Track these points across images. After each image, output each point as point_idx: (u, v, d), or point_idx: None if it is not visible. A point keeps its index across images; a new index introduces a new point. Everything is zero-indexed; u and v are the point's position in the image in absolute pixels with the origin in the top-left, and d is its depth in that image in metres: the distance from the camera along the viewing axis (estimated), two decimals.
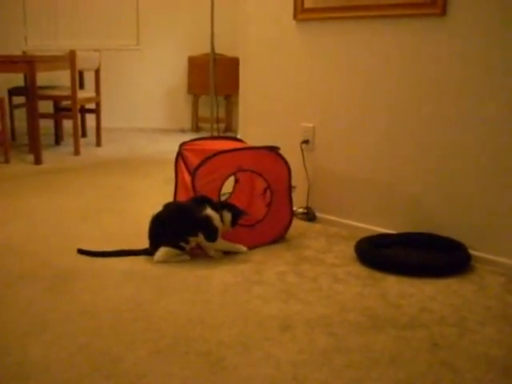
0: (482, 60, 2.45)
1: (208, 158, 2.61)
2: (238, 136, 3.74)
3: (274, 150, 2.77)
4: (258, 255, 2.65)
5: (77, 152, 5.09)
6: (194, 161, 2.71)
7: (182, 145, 2.92)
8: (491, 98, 2.44)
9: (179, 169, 2.89)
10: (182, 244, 2.51)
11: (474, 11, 2.44)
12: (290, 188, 2.82)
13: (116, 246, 2.70)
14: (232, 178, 2.96)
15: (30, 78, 4.57)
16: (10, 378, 1.64)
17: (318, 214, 3.17)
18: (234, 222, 2.57)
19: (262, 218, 2.76)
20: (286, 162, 2.78)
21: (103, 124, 5.82)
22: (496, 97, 2.43)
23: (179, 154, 2.89)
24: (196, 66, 6.39)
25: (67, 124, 6.01)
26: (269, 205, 2.77)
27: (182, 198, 2.79)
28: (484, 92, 2.46)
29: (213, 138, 3.19)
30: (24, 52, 6.33)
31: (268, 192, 2.78)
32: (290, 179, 2.81)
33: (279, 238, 2.83)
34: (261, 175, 2.75)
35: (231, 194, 3.07)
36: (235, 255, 2.62)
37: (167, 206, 2.57)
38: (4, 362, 1.72)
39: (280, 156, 2.77)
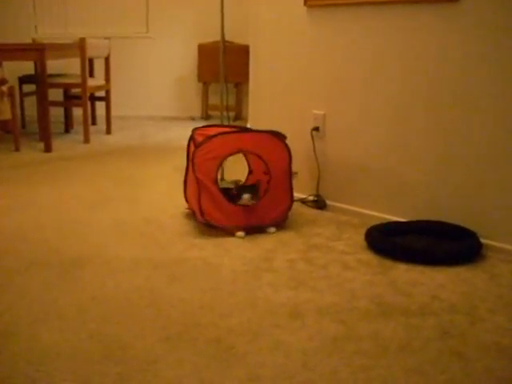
0: (495, 48, 2.42)
1: (210, 137, 2.70)
2: (248, 125, 3.73)
3: (275, 134, 2.78)
4: (268, 243, 2.64)
5: (86, 140, 5.10)
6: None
7: (194, 130, 2.95)
8: (507, 86, 2.42)
9: (190, 152, 2.91)
10: None
11: None
12: (290, 173, 2.82)
13: (126, 234, 2.71)
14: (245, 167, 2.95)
15: (40, 66, 4.57)
16: (21, 364, 1.65)
17: (328, 202, 3.16)
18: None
19: (259, 200, 2.77)
20: (287, 147, 2.79)
21: (113, 112, 5.82)
22: (511, 86, 2.41)
23: (191, 138, 2.92)
24: (206, 53, 6.36)
25: (77, 112, 6.03)
26: (267, 188, 2.78)
27: (192, 180, 2.80)
28: (498, 84, 2.43)
29: (227, 126, 3.18)
30: (34, 40, 6.31)
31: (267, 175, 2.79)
32: (290, 164, 2.81)
33: (277, 223, 2.83)
34: (260, 158, 2.77)
35: (244, 183, 3.07)
36: (245, 242, 2.63)
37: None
38: (15, 348, 1.74)
39: (281, 141, 2.78)
